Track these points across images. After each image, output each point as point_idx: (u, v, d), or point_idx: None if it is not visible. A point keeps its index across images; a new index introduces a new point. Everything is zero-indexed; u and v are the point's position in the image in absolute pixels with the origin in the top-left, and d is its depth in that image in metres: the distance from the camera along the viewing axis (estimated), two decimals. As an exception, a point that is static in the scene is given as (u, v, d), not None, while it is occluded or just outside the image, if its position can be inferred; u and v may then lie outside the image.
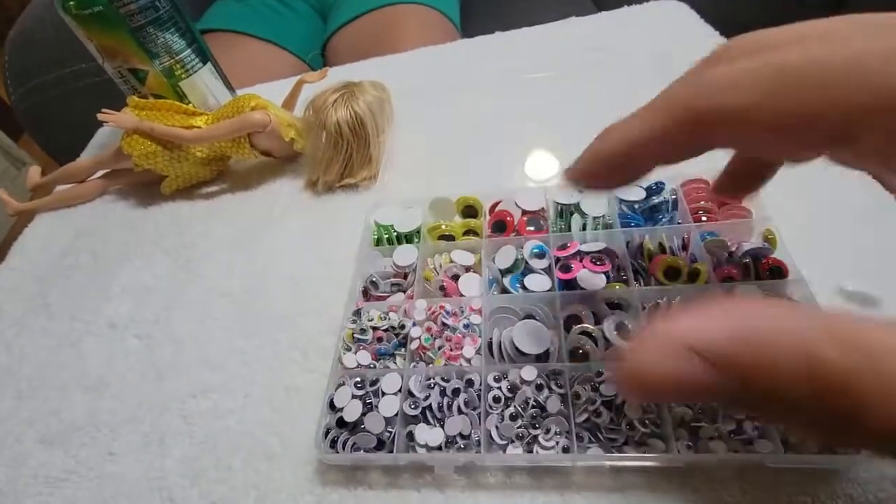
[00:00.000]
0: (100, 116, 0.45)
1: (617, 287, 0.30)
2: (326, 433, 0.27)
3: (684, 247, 0.32)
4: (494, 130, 0.46)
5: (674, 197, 0.34)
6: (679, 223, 0.32)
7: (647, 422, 0.25)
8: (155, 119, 0.45)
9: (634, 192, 0.34)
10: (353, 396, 0.28)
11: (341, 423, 0.27)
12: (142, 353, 0.37)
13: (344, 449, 0.27)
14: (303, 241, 0.42)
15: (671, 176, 0.34)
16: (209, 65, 0.50)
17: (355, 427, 0.27)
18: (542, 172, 0.41)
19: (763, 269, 0.29)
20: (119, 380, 0.36)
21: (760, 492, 0.23)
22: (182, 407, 0.33)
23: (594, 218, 0.34)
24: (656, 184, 0.34)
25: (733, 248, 0.30)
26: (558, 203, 0.35)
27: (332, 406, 0.28)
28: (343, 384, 0.29)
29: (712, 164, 0.34)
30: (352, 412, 0.27)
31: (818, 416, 0.12)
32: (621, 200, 0.34)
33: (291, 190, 0.46)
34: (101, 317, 0.40)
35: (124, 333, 0.39)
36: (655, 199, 0.34)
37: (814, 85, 0.15)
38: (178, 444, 0.32)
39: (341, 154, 0.42)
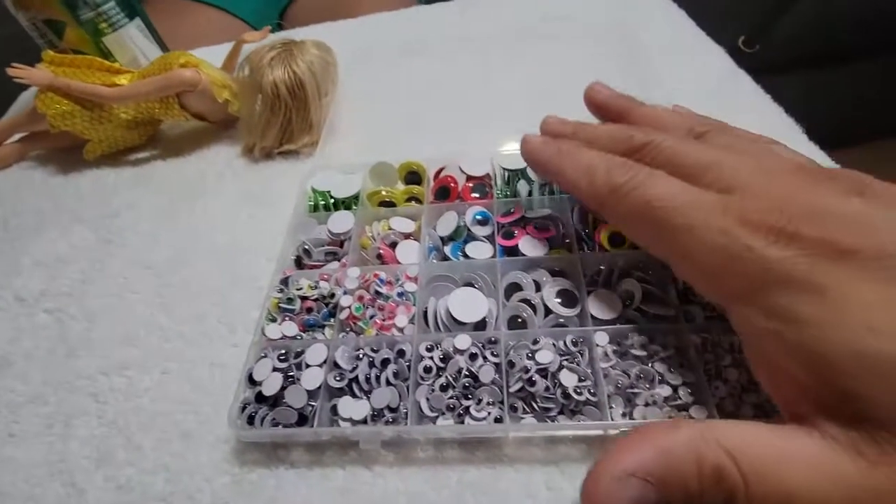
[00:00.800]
0: (10, 72, 0.41)
1: (560, 253, 0.29)
2: (244, 409, 0.25)
3: (630, 213, 0.30)
4: (444, 97, 0.44)
5: (622, 163, 0.32)
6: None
7: (581, 389, 0.23)
8: (73, 76, 0.41)
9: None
10: (275, 369, 0.26)
11: (260, 397, 0.25)
12: (52, 329, 0.34)
13: (262, 425, 0.25)
14: (236, 210, 0.39)
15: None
16: (137, 20, 0.46)
17: (276, 402, 0.25)
18: (490, 138, 0.40)
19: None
20: (24, 357, 0.33)
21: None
22: (92, 385, 0.30)
23: (541, 185, 0.33)
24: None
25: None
26: (505, 169, 0.33)
27: (250, 380, 0.26)
28: (265, 356, 0.27)
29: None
30: (271, 386, 0.25)
31: (713, 501, 0.16)
32: (569, 166, 0.33)
33: (227, 157, 0.43)
34: (7, 290, 0.37)
35: (34, 308, 0.35)
36: (603, 166, 0.32)
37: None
38: (85, 424, 0.29)
39: (279, 117, 0.39)
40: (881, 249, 0.15)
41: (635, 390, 0.23)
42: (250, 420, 0.25)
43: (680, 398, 0.23)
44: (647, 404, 0.23)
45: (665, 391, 0.23)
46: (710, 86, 0.41)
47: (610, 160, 0.22)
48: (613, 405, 0.23)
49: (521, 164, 0.33)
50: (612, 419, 0.23)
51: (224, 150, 0.44)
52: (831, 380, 0.15)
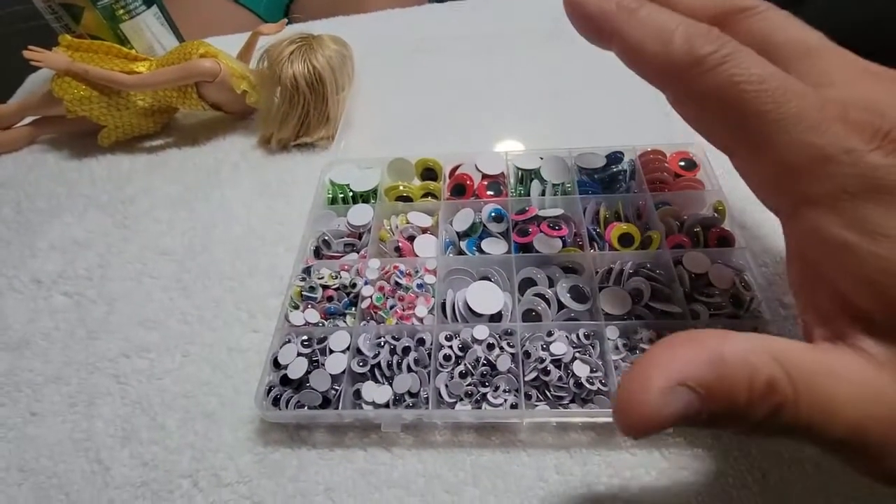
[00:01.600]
0: (26, 54, 0.41)
1: (572, 252, 0.30)
2: (269, 391, 0.26)
3: (639, 215, 0.32)
4: (457, 96, 0.45)
5: (632, 167, 0.34)
6: (635, 192, 0.33)
7: (593, 380, 0.25)
8: (90, 62, 0.41)
9: (594, 161, 0.34)
10: (299, 354, 0.27)
11: (285, 380, 0.26)
12: (70, 312, 0.35)
13: (287, 407, 0.26)
14: (253, 200, 0.39)
15: (630, 147, 0.35)
16: (154, 8, 0.46)
17: (300, 385, 0.26)
18: (504, 137, 0.41)
19: (711, 239, 0.30)
20: (43, 338, 0.33)
21: (700, 447, 0.24)
22: (114, 367, 0.31)
23: (553, 185, 0.34)
24: (616, 153, 0.34)
25: (685, 218, 0.31)
26: (519, 168, 0.35)
27: (275, 364, 0.27)
28: (289, 342, 0.28)
29: (669, 137, 0.35)
30: (297, 369, 0.26)
31: (758, 413, 0.15)
32: (581, 168, 0.34)
33: (243, 147, 0.44)
34: (23, 273, 0.37)
35: (51, 290, 0.36)
36: (614, 168, 0.34)
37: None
38: (108, 404, 0.30)
39: (297, 110, 0.40)
40: None
41: (644, 381, 0.24)
42: (275, 402, 0.26)
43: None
44: (654, 395, 0.24)
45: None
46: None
47: (691, 25, 0.18)
48: (623, 395, 0.25)
49: (535, 164, 0.34)
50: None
51: (239, 141, 0.44)
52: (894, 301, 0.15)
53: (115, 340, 0.32)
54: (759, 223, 0.32)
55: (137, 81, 0.41)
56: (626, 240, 0.30)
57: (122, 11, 0.44)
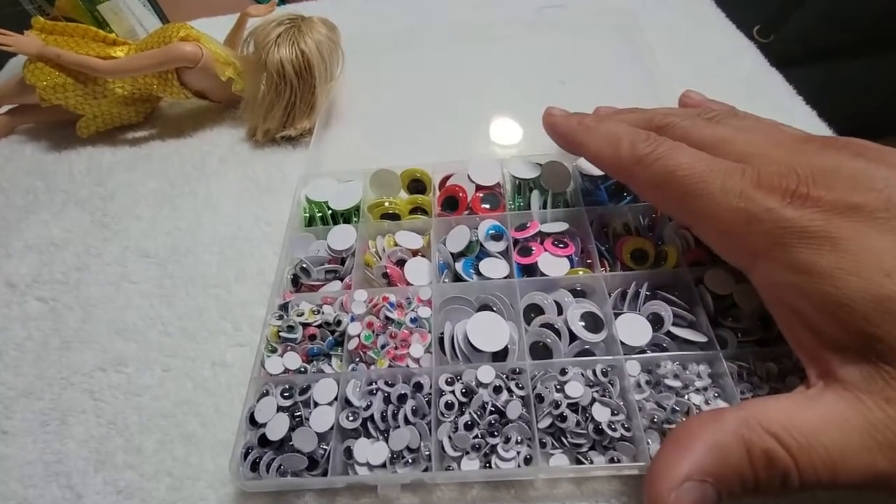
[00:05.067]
0: None
1: (581, 273, 0.27)
2: (246, 454, 0.23)
3: (651, 226, 0.29)
4: (443, 92, 0.42)
5: (639, 172, 0.31)
6: (645, 200, 0.30)
7: (615, 424, 0.22)
8: (65, 46, 0.37)
9: (598, 167, 0.31)
10: (280, 409, 0.24)
11: (264, 441, 0.23)
12: (45, 319, 0.31)
13: (268, 472, 0.22)
14: (241, 198, 0.36)
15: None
16: (137, -14, 0.41)
17: (282, 445, 0.23)
18: (498, 142, 0.37)
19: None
20: (15, 348, 0.30)
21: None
22: (89, 381, 0.28)
23: (555, 195, 0.31)
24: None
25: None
26: (516, 177, 0.31)
27: (252, 421, 0.23)
28: (267, 394, 0.24)
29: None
30: (277, 429, 0.23)
31: (769, 485, 0.16)
32: (584, 175, 0.31)
33: (231, 139, 0.40)
34: None
35: (25, 295, 0.33)
36: (620, 175, 0.31)
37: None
38: (82, 423, 0.27)
39: (283, 99, 0.36)
40: (888, 201, 0.17)
41: (672, 425, 0.22)
42: (254, 466, 0.23)
43: (719, 432, 0.22)
44: (684, 439, 0.22)
45: (703, 425, 0.22)
46: (735, 76, 0.40)
47: (634, 132, 0.23)
48: (650, 441, 0.22)
49: (534, 172, 0.31)
50: (650, 456, 0.21)
51: (227, 132, 0.41)
52: (852, 325, 0.16)
53: (91, 352, 0.29)
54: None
55: (113, 67, 0.37)
56: (639, 256, 0.28)
57: (99, -11, 0.39)
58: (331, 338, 0.26)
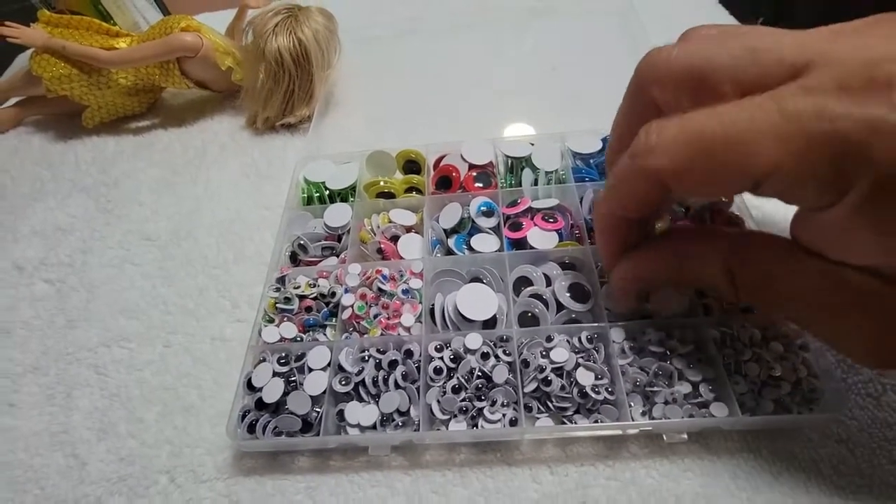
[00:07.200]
0: (2, 30, 0.39)
1: (570, 246, 0.28)
2: (243, 417, 0.24)
3: (640, 202, 0.29)
4: (440, 77, 0.42)
5: (630, 150, 0.31)
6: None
7: (599, 388, 0.23)
8: (69, 38, 0.39)
9: (589, 144, 0.32)
10: (275, 374, 0.25)
11: (261, 404, 0.24)
12: (51, 299, 0.33)
13: (264, 433, 0.23)
14: (240, 184, 0.37)
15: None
16: (136, -18, 0.43)
17: (278, 409, 0.24)
18: (490, 121, 0.38)
19: (720, 225, 0.27)
20: (23, 326, 0.32)
21: (709, 453, 0.22)
22: (93, 357, 0.29)
23: (547, 173, 0.31)
24: (612, 136, 0.32)
25: (692, 203, 0.28)
26: (508, 157, 0.32)
27: (249, 386, 0.24)
28: (263, 360, 0.25)
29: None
30: (273, 392, 0.24)
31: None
32: (575, 154, 0.32)
33: (231, 127, 0.41)
34: (5, 259, 0.35)
35: (32, 277, 0.34)
36: (611, 152, 0.31)
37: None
38: (86, 396, 0.28)
39: (281, 87, 0.37)
40: None
41: (654, 388, 0.22)
42: (251, 428, 0.24)
43: (700, 395, 0.22)
44: (666, 402, 0.22)
45: (685, 388, 0.22)
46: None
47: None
48: (632, 403, 0.22)
49: (526, 151, 0.32)
50: (632, 418, 0.22)
51: (228, 121, 0.42)
52: None
53: (95, 329, 0.31)
54: (771, 209, 0.29)
55: (116, 58, 0.38)
56: (627, 230, 0.28)
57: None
58: (325, 309, 0.27)
